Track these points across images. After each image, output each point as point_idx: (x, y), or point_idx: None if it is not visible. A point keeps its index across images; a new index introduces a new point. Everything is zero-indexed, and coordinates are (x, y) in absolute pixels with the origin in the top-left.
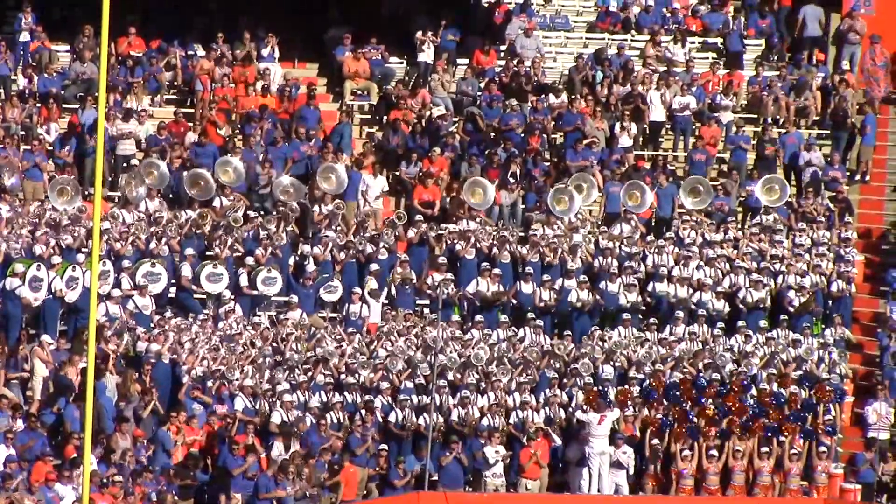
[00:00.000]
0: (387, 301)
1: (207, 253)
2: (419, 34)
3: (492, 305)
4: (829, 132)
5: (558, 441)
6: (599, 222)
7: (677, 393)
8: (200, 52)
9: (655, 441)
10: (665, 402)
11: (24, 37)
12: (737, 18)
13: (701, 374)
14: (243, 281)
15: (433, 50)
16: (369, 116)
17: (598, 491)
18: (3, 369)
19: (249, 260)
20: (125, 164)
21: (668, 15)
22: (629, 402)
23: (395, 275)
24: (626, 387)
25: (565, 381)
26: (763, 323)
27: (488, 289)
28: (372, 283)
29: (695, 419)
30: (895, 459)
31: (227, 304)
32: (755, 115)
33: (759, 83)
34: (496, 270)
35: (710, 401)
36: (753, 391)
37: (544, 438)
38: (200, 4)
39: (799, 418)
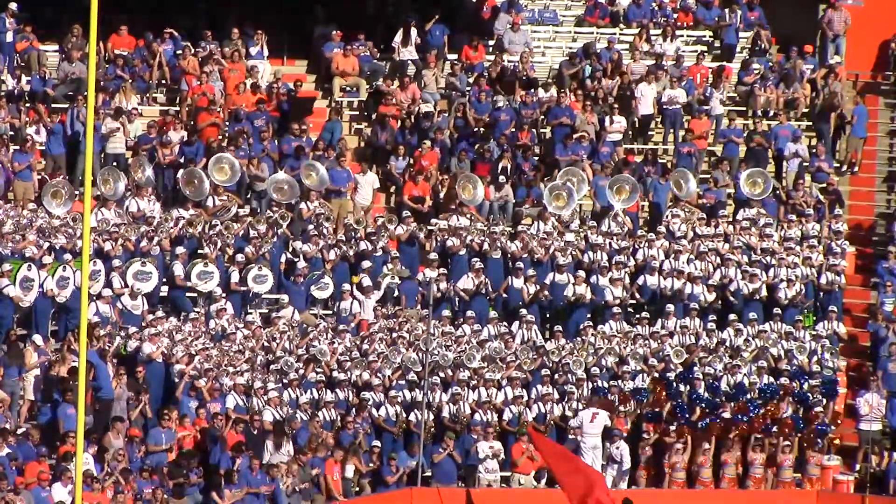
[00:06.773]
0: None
1: (199, 251)
2: (398, 35)
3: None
4: (817, 123)
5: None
6: (589, 217)
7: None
8: (190, 49)
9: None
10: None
11: (9, 37)
12: (734, 12)
13: (694, 367)
14: (234, 278)
15: (413, 48)
16: (358, 113)
17: None
18: None
19: (240, 257)
20: (114, 163)
21: (657, 9)
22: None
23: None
24: (619, 383)
25: (557, 376)
26: (753, 315)
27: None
28: (365, 280)
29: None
30: (888, 450)
31: (219, 302)
32: (745, 108)
33: (750, 75)
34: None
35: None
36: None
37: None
38: (187, 4)
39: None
